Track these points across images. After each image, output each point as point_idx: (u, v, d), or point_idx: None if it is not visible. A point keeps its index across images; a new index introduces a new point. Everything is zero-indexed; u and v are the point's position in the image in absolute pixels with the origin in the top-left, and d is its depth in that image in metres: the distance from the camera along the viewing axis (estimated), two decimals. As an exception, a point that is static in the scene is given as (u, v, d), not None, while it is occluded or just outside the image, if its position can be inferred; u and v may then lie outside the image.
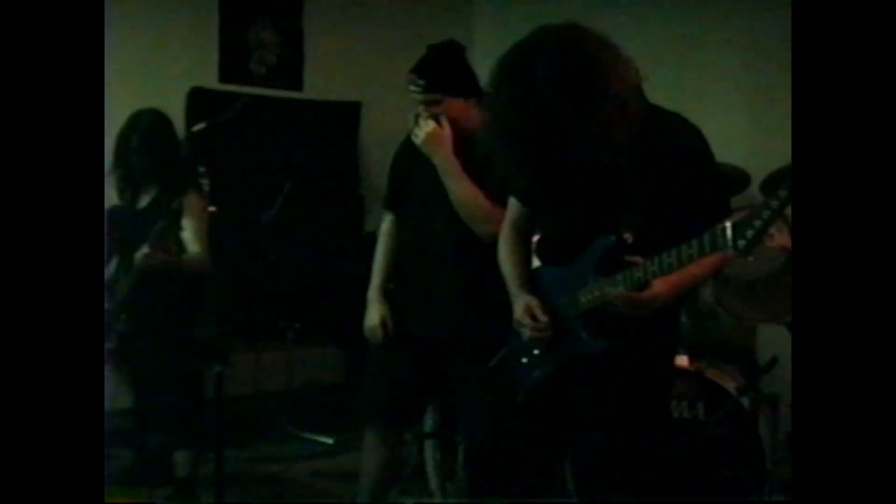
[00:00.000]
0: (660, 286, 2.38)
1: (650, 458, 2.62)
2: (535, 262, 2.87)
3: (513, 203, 2.82)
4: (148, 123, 4.12)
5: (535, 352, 2.69)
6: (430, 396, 3.66)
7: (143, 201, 4.13)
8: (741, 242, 2.12)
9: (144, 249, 3.91)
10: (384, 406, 3.46)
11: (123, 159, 4.11)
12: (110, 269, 4.14)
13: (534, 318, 2.63)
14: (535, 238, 2.86)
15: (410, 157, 3.44)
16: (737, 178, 4.32)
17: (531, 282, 2.75)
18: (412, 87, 3.29)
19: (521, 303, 2.68)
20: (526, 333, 2.66)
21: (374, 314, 3.49)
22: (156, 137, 4.11)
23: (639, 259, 2.40)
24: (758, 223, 2.11)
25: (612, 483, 2.52)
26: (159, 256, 3.91)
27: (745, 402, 3.60)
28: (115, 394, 4.38)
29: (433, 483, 4.16)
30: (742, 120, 5.16)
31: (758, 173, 4.19)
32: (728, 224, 2.14)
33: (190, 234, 3.99)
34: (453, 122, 3.27)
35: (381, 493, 3.55)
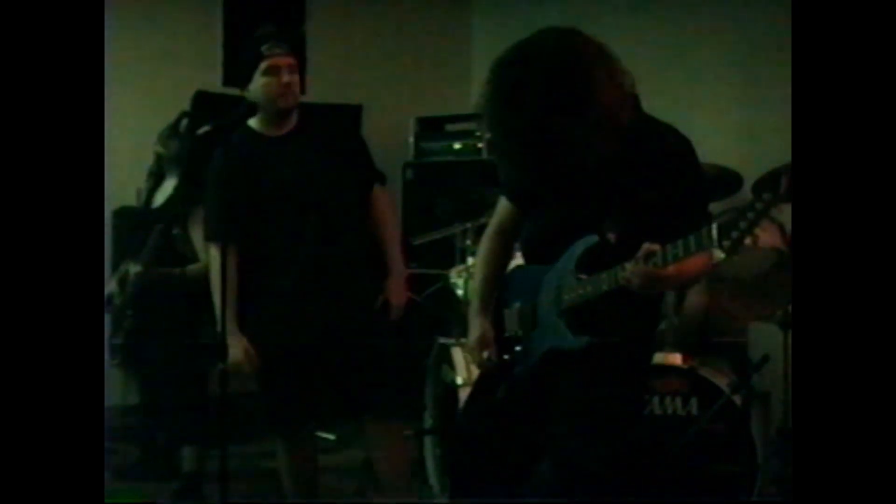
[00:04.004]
0: (671, 268, 2.38)
1: (630, 453, 2.67)
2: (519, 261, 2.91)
3: (502, 203, 2.83)
4: (191, 124, 4.21)
5: (517, 348, 2.73)
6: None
7: (158, 200, 4.23)
8: (726, 243, 2.18)
9: (137, 268, 3.98)
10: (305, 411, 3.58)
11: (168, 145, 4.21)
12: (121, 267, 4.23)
13: (485, 349, 2.71)
14: (523, 238, 2.88)
15: (243, 175, 3.42)
16: (728, 180, 4.36)
17: (515, 278, 2.79)
18: (285, 55, 3.39)
19: (479, 331, 2.74)
20: (475, 359, 2.74)
21: (239, 348, 3.41)
22: (190, 140, 4.17)
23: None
24: (742, 224, 2.16)
25: (593, 479, 2.54)
26: (152, 274, 3.99)
27: (738, 398, 3.65)
28: (123, 391, 4.47)
29: (432, 479, 4.22)
30: (734, 122, 5.17)
31: (750, 175, 4.22)
32: (714, 225, 2.20)
33: (202, 242, 4.07)
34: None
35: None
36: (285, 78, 3.38)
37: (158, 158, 4.29)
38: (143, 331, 4.17)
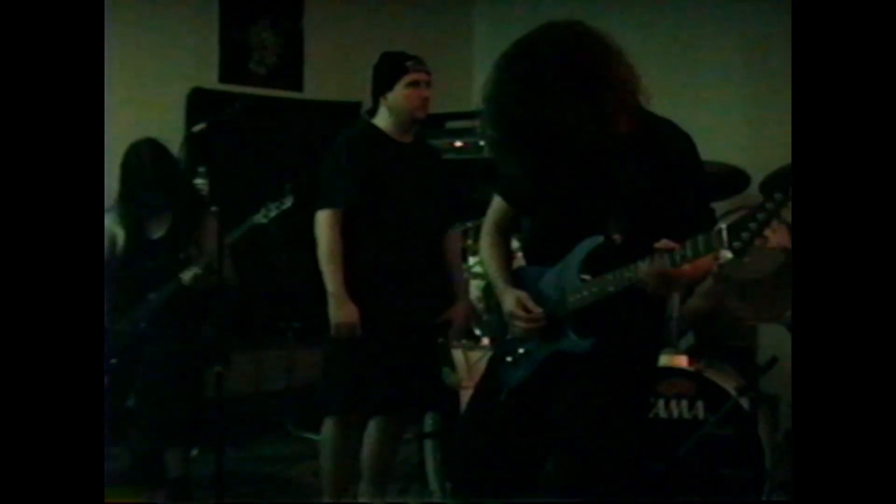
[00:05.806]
0: (686, 268, 2.39)
1: (632, 456, 2.66)
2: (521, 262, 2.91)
3: (497, 201, 2.85)
4: (151, 153, 4.13)
5: (521, 350, 2.71)
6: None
7: (157, 232, 4.16)
8: (736, 244, 2.18)
9: (197, 270, 3.98)
10: (391, 394, 3.71)
11: (130, 192, 4.13)
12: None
13: (526, 309, 2.65)
14: (524, 238, 2.91)
15: (373, 149, 3.72)
16: (736, 179, 4.35)
17: (516, 281, 2.77)
18: (425, 72, 3.77)
19: (511, 297, 2.70)
20: (520, 325, 2.67)
21: (349, 311, 3.63)
22: (164, 167, 4.13)
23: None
24: (753, 225, 2.16)
25: (595, 481, 2.52)
26: (207, 280, 3.97)
27: (745, 402, 3.62)
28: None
29: (433, 483, 4.19)
30: (742, 120, 5.21)
31: (758, 173, 4.23)
32: (723, 226, 2.19)
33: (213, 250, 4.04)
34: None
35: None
36: (425, 92, 3.77)
37: (127, 198, 4.15)
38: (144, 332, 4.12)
